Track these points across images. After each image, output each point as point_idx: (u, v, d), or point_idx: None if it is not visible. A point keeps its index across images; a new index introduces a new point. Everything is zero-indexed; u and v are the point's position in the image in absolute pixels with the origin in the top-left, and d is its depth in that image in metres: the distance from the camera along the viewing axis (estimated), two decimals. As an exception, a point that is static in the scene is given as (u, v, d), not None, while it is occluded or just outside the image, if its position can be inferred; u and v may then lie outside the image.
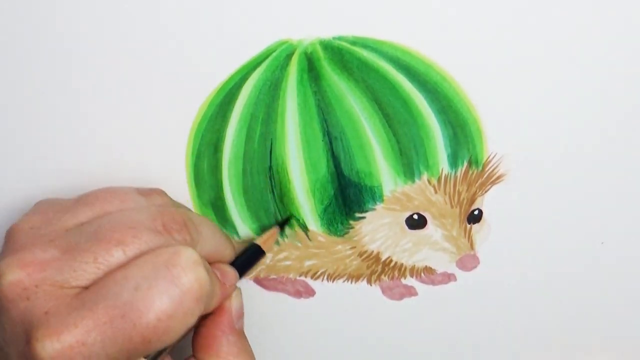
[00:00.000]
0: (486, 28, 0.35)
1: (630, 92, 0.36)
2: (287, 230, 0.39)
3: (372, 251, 0.40)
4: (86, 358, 0.29)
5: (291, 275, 0.41)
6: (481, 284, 0.41)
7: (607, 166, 0.38)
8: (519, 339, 0.43)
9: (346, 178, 0.38)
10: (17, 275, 0.30)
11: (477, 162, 0.38)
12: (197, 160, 0.38)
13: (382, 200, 0.38)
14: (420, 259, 0.40)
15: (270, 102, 0.36)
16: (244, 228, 0.39)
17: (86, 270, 0.30)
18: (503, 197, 0.38)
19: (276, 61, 0.36)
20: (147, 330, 0.29)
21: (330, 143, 0.37)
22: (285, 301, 0.41)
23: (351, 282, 0.41)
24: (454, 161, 0.38)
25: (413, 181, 0.38)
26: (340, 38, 0.35)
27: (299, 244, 0.40)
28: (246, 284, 0.41)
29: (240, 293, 0.36)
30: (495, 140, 0.37)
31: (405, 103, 0.36)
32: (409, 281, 0.41)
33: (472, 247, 0.40)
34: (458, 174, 0.38)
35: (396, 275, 0.41)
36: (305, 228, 0.39)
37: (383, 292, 0.41)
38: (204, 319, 0.35)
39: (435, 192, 0.38)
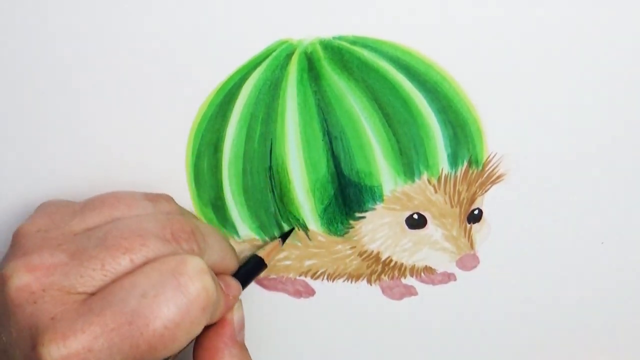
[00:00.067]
0: (486, 28, 0.35)
1: (631, 92, 0.36)
2: (287, 230, 0.39)
3: (372, 251, 0.40)
4: None
5: (291, 275, 0.41)
6: (481, 284, 0.41)
7: (607, 166, 0.38)
8: (518, 339, 0.43)
9: (346, 178, 0.38)
10: (25, 279, 0.30)
11: (477, 162, 0.38)
12: (197, 160, 0.38)
13: (382, 200, 0.38)
14: (420, 258, 0.40)
15: (270, 102, 0.36)
16: (244, 228, 0.39)
17: (93, 277, 0.30)
18: (503, 197, 0.38)
19: (276, 61, 0.36)
20: (153, 338, 0.29)
21: (330, 143, 0.37)
22: (285, 301, 0.41)
23: (351, 282, 0.41)
24: (454, 161, 0.38)
25: (413, 181, 0.38)
26: (340, 38, 0.35)
27: (299, 244, 0.40)
28: (246, 283, 0.41)
29: (242, 305, 0.36)
30: (495, 140, 0.37)
31: (405, 103, 0.36)
32: (409, 281, 0.41)
33: (472, 246, 0.40)
34: (458, 173, 0.38)
35: (396, 275, 0.41)
36: (305, 228, 0.39)
37: (383, 291, 0.41)
38: (205, 330, 0.34)
39: (435, 191, 0.38)
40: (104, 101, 0.36)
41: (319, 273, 0.40)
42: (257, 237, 0.39)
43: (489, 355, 0.43)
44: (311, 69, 0.36)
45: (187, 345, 0.32)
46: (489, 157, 0.38)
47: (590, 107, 0.37)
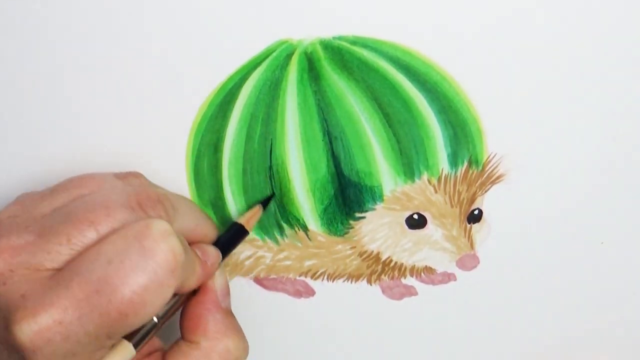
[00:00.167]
0: (486, 28, 0.35)
1: (631, 93, 0.36)
2: (287, 230, 0.39)
3: (372, 251, 0.40)
4: (65, 337, 0.28)
5: (291, 275, 0.41)
6: (481, 284, 0.41)
7: (607, 166, 0.38)
8: (518, 339, 0.43)
9: (346, 178, 0.38)
10: None
11: (477, 162, 0.38)
12: (197, 160, 0.38)
13: (382, 200, 0.38)
14: (420, 258, 0.40)
15: (270, 102, 0.36)
16: (244, 228, 0.39)
17: (60, 252, 0.30)
18: (503, 197, 0.38)
19: (276, 61, 0.36)
20: (122, 304, 0.29)
21: (330, 143, 0.37)
22: (285, 301, 0.41)
23: (351, 282, 0.41)
24: (454, 161, 0.38)
25: (413, 181, 0.38)
26: (340, 38, 0.35)
27: (299, 244, 0.40)
28: (246, 283, 0.41)
29: (224, 272, 0.35)
30: (495, 140, 0.37)
31: (405, 103, 0.36)
32: (409, 281, 0.41)
33: (472, 246, 0.40)
34: (458, 173, 0.38)
35: (396, 275, 0.41)
36: (305, 228, 0.39)
37: (383, 291, 0.41)
38: (189, 300, 0.34)
39: (435, 191, 0.38)
40: (104, 101, 0.36)
41: (319, 273, 0.40)
42: (257, 237, 0.39)
43: (489, 355, 0.43)
44: (311, 69, 0.36)
45: (169, 316, 0.32)
46: (489, 157, 0.38)
47: (590, 107, 0.37)
